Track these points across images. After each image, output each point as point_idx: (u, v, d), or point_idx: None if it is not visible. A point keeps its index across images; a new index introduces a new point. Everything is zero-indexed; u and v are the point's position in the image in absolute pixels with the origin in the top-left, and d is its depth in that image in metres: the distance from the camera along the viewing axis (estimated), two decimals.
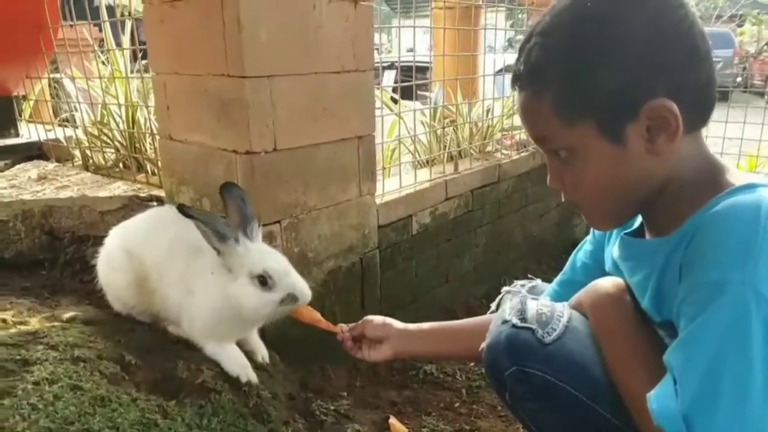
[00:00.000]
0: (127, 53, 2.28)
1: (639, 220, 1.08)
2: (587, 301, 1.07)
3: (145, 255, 1.33)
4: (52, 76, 2.58)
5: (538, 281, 1.37)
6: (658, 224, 0.99)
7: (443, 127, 2.57)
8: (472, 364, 1.87)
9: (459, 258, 2.39)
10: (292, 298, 1.20)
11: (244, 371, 1.33)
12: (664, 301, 0.95)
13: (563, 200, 1.02)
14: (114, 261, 1.40)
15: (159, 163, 2.04)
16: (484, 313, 1.39)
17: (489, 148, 2.79)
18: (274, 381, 1.50)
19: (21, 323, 1.31)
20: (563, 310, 1.05)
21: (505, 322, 1.04)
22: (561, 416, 1.00)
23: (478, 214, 2.44)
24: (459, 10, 2.76)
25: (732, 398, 0.74)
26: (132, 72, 2.29)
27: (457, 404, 1.71)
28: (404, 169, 2.44)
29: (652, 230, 1.02)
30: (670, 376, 0.82)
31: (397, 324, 1.33)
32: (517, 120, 3.02)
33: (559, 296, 1.24)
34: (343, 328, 1.36)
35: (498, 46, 3.87)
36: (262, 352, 1.48)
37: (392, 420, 1.58)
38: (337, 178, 1.75)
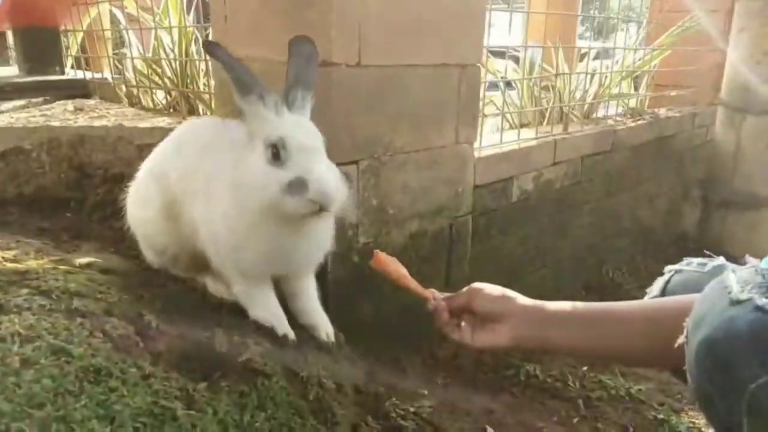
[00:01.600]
0: None
1: None
2: None
3: (170, 171, 1.06)
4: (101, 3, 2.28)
5: (722, 259, 0.94)
6: None
7: (555, 75, 2.12)
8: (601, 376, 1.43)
9: (561, 238, 1.96)
10: (301, 184, 0.85)
11: (280, 322, 1.03)
12: None
13: None
14: (140, 190, 1.13)
15: (212, 101, 1.71)
16: None
17: (595, 115, 2.34)
18: (339, 368, 1.12)
19: (13, 261, 0.98)
20: None
21: (739, 302, 0.63)
22: None
23: (587, 187, 2.01)
24: None
25: None
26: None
27: (575, 419, 1.29)
28: (497, 129, 2.03)
29: None
30: None
31: (523, 299, 0.93)
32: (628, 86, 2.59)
33: None
34: (435, 295, 0.99)
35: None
36: (327, 329, 1.13)
37: None
38: (432, 115, 1.36)
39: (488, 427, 1.20)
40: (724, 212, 2.77)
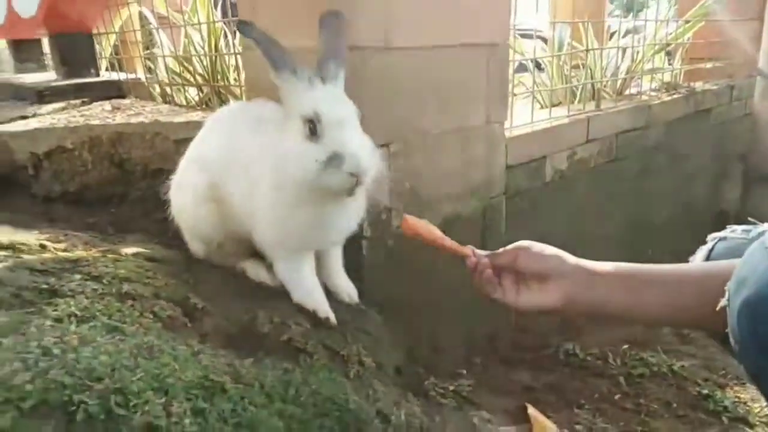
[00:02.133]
0: None
1: None
2: None
3: (210, 154, 1.10)
4: (134, 7, 2.33)
5: (767, 225, 0.92)
6: None
7: (585, 51, 2.09)
8: (684, 331, 1.39)
9: (598, 217, 1.94)
10: (338, 159, 0.86)
11: (321, 305, 1.05)
12: None
13: None
14: (183, 177, 1.16)
15: (243, 94, 1.74)
16: None
17: (628, 92, 2.29)
18: (379, 347, 1.14)
19: (64, 251, 1.02)
20: None
21: None
22: None
23: (623, 165, 1.98)
24: None
25: None
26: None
27: (617, 396, 1.28)
28: (528, 106, 2.01)
29: None
30: None
31: (574, 258, 0.91)
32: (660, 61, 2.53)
33: None
34: (475, 252, 0.97)
35: None
36: (349, 291, 1.17)
37: (531, 410, 1.18)
38: (462, 96, 1.36)
39: (528, 405, 1.20)
40: (764, 187, 2.70)
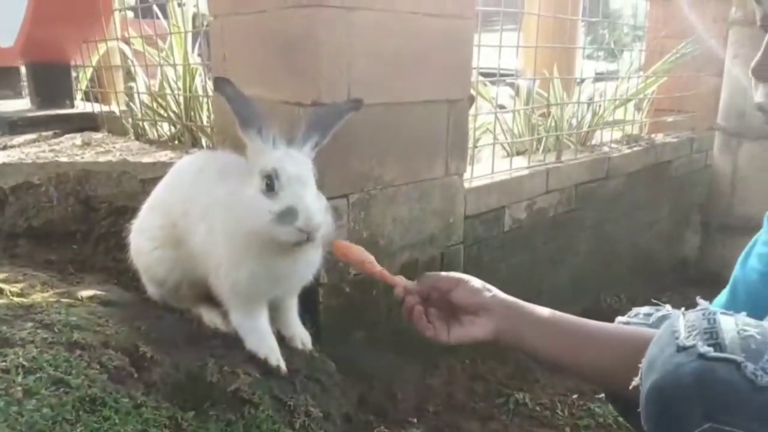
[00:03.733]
0: (189, 11, 2.04)
1: None
2: None
3: (171, 201, 1.14)
4: (111, 41, 2.37)
5: (668, 308, 0.94)
6: None
7: (547, 106, 2.17)
8: (600, 395, 1.44)
9: (556, 266, 2.00)
10: (292, 213, 0.90)
11: (273, 353, 1.08)
12: None
13: (760, 98, 0.72)
14: (143, 222, 1.20)
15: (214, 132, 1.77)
16: None
17: (593, 141, 2.38)
18: (329, 396, 1.16)
19: (19, 295, 1.04)
20: None
21: (684, 348, 0.65)
22: None
23: (582, 215, 2.04)
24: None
25: None
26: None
27: None
28: (492, 156, 2.08)
29: None
30: None
31: (504, 294, 0.94)
32: (626, 112, 2.63)
33: None
34: (406, 284, 0.98)
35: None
36: (302, 337, 1.20)
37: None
38: (422, 149, 1.42)
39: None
40: (723, 237, 2.79)
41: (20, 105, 2.52)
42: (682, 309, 0.80)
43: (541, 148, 2.18)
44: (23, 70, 2.85)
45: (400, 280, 0.99)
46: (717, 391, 0.62)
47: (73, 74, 2.53)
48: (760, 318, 0.69)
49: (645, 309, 0.98)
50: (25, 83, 2.80)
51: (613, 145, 2.30)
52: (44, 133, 2.16)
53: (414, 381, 1.50)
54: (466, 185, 1.60)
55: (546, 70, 2.39)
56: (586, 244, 2.11)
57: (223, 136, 1.54)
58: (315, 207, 0.94)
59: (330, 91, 1.20)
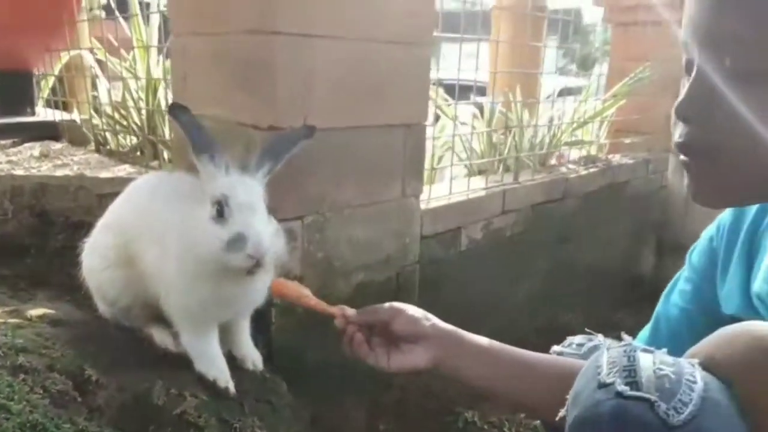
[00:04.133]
0: (155, 22, 2.04)
1: None
2: (732, 359, 0.70)
3: (123, 222, 1.15)
4: (74, 51, 2.36)
5: (599, 338, 0.98)
6: None
7: (506, 128, 2.23)
8: (536, 422, 1.48)
9: (513, 285, 2.05)
10: (241, 240, 0.91)
11: (222, 375, 1.09)
12: None
13: (678, 138, 0.73)
14: (95, 242, 1.20)
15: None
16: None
17: (551, 162, 2.44)
18: (278, 417, 1.18)
19: None
20: (694, 372, 0.69)
21: (604, 385, 0.69)
22: None
23: (538, 235, 2.10)
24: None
25: None
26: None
27: None
28: (454, 176, 2.12)
29: None
30: None
31: (443, 323, 0.98)
32: (586, 132, 2.71)
33: None
34: (346, 313, 1.01)
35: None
36: (254, 358, 1.21)
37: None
38: (378, 172, 1.44)
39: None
40: (677, 255, 2.88)
41: None
42: (609, 342, 0.84)
43: (500, 169, 2.23)
44: None
45: (339, 310, 1.01)
46: (631, 428, 0.65)
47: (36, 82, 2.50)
48: (680, 353, 0.74)
49: (578, 338, 1.02)
50: None
51: (571, 166, 2.37)
52: (2, 142, 2.13)
53: (366, 400, 1.52)
54: (424, 206, 1.64)
55: (508, 89, 2.45)
56: (542, 263, 2.17)
57: (180, 153, 1.55)
58: (264, 232, 0.95)
59: (286, 116, 1.22)
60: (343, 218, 1.39)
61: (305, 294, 1.04)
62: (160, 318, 1.15)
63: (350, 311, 1.01)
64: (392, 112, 1.43)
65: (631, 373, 0.68)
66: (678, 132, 0.73)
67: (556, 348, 1.04)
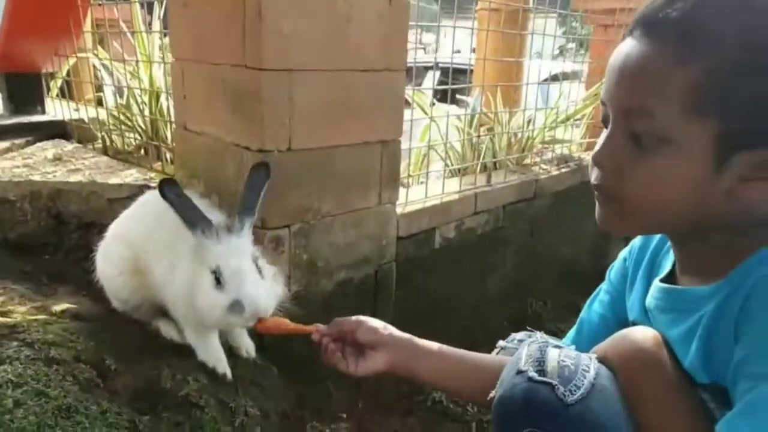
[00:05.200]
0: (156, 37, 2.20)
1: (670, 262, 0.95)
2: (617, 356, 0.91)
3: (134, 234, 1.30)
4: (81, 55, 2.53)
5: (539, 335, 1.16)
6: (701, 268, 0.88)
7: (478, 135, 2.41)
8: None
9: (485, 278, 2.25)
10: (239, 306, 1.08)
11: (221, 363, 1.28)
12: (713, 361, 0.84)
13: (594, 180, 0.87)
14: (108, 249, 1.38)
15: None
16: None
17: (527, 161, 2.62)
18: (267, 398, 1.39)
19: (4, 314, 1.23)
20: (589, 363, 0.90)
21: (520, 372, 0.89)
22: None
23: (509, 232, 2.29)
24: (505, 14, 2.61)
25: None
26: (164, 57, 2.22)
27: None
28: (435, 177, 2.31)
29: (690, 274, 0.89)
30: None
31: (399, 332, 1.16)
32: (560, 133, 2.88)
33: None
34: (319, 329, 1.19)
35: (547, 53, 3.69)
36: (247, 347, 1.40)
37: None
38: (356, 183, 1.63)
39: None
40: None
41: None
42: (539, 339, 1.05)
43: (478, 168, 2.41)
44: None
45: (314, 327, 1.18)
46: (537, 405, 0.86)
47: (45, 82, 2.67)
48: None
49: (520, 335, 1.23)
50: None
51: (544, 166, 2.55)
52: (16, 141, 2.31)
53: (348, 382, 1.73)
54: (400, 210, 1.82)
55: (489, 92, 2.61)
56: (513, 258, 2.36)
57: (183, 163, 1.73)
58: (257, 295, 1.09)
59: (273, 140, 1.41)
60: (325, 225, 1.59)
61: (284, 323, 1.18)
62: (166, 313, 1.35)
63: (322, 327, 1.19)
64: (369, 130, 1.61)
65: (540, 363, 0.89)
66: (594, 175, 0.88)
67: (501, 343, 1.24)
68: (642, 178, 0.80)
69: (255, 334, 1.46)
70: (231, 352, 1.38)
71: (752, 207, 0.77)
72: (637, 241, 1.11)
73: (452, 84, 2.28)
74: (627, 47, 0.79)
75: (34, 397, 0.95)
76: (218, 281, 1.09)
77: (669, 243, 0.98)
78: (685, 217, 0.82)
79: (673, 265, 0.96)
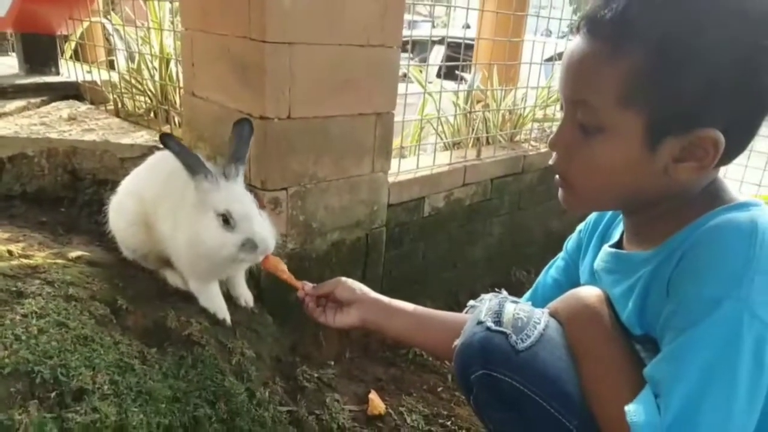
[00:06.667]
0: (167, 5, 2.30)
1: (619, 232, 1.07)
2: (565, 311, 1.04)
3: (145, 191, 1.40)
4: (95, 19, 2.63)
5: (504, 293, 1.29)
6: (645, 236, 0.98)
7: (470, 111, 2.52)
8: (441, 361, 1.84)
9: (471, 245, 2.38)
10: (251, 244, 1.19)
11: (221, 310, 1.41)
12: (646, 315, 0.94)
13: (551, 163, 0.98)
14: (120, 203, 1.48)
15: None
16: None
17: (518, 138, 2.73)
18: (262, 342, 1.53)
19: (26, 256, 1.37)
20: (541, 317, 1.02)
21: (480, 323, 1.00)
22: (526, 427, 0.95)
23: (496, 203, 2.41)
24: None
25: (716, 415, 0.74)
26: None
27: (440, 389, 1.72)
28: (429, 150, 2.42)
29: (635, 241, 1.01)
30: (650, 390, 0.81)
31: (373, 293, 1.30)
32: (550, 112, 2.98)
33: None
34: (305, 286, 1.32)
35: (558, 31, 3.73)
36: (246, 297, 1.53)
37: (372, 395, 1.60)
38: (351, 152, 1.75)
39: (373, 391, 1.62)
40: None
41: (7, 70, 2.75)
42: (494, 295, 1.18)
43: (471, 143, 2.53)
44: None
45: (302, 285, 1.32)
46: (492, 350, 0.98)
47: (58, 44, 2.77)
48: None
49: (488, 296, 1.36)
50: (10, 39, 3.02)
51: (534, 143, 2.66)
52: (32, 100, 2.42)
53: (337, 333, 1.88)
54: (392, 179, 1.95)
55: (485, 70, 2.71)
56: (499, 228, 2.49)
57: (190, 127, 1.86)
58: (266, 233, 1.22)
59: (274, 108, 1.52)
60: (321, 189, 1.71)
61: (282, 269, 1.31)
62: (172, 264, 1.49)
63: (309, 285, 1.32)
64: (364, 103, 1.73)
65: (497, 315, 1.01)
66: (552, 158, 0.99)
67: (471, 302, 1.38)
68: (586, 162, 0.91)
69: (253, 285, 1.61)
70: (231, 301, 1.52)
71: (688, 183, 0.89)
72: (593, 216, 1.23)
73: (460, 60, 2.37)
74: (573, 44, 0.89)
75: (55, 327, 1.09)
76: (227, 222, 1.19)
77: (621, 216, 1.10)
78: (627, 195, 0.93)
79: (622, 234, 1.08)
